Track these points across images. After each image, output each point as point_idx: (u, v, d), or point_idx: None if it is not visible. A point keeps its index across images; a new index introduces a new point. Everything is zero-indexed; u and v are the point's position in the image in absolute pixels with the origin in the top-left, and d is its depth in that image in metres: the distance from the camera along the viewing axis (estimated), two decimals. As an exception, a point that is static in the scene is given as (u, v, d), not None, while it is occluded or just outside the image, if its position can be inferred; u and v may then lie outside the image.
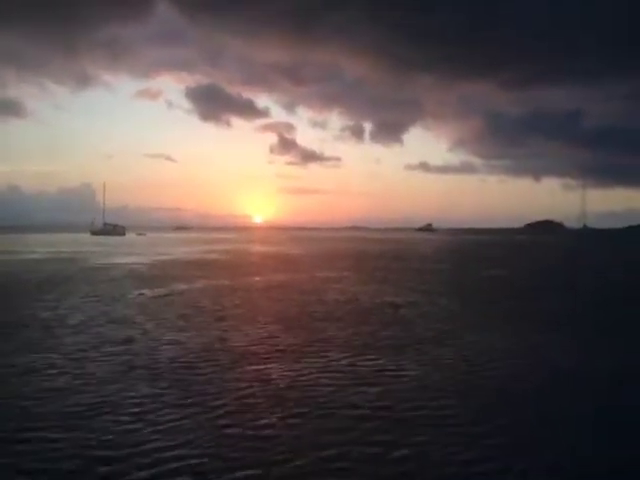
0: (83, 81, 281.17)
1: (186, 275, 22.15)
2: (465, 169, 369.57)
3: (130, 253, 40.71)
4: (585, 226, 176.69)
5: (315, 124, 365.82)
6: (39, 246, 50.38)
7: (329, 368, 7.77)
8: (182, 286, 18.15)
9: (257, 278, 21.52)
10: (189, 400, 6.28)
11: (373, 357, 8.46)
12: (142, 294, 15.96)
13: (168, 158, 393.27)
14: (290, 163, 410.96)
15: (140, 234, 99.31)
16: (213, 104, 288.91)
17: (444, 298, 15.69)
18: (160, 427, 5.44)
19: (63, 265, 27.84)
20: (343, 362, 8.13)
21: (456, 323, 11.62)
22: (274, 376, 7.35)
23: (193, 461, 4.69)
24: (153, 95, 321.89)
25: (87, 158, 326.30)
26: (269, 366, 7.86)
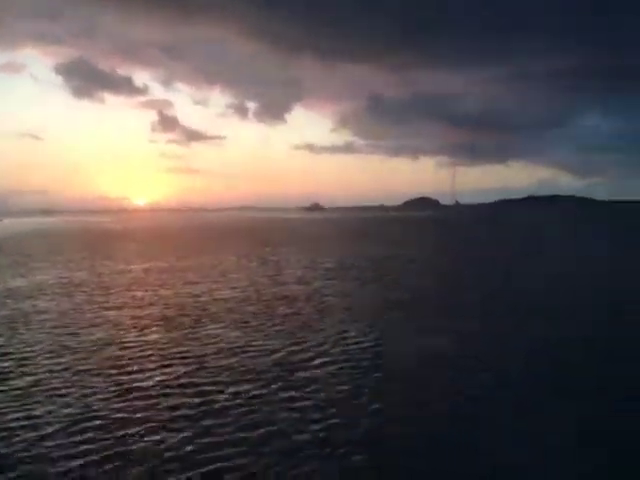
0: None
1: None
2: (348, 149, 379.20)
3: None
4: (457, 202, 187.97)
5: (196, 102, 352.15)
6: None
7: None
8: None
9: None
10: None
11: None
12: None
13: (35, 137, 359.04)
14: (173, 142, 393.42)
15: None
16: (86, 80, 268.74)
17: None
18: None
19: None
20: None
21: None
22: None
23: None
24: (16, 69, 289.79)
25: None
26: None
